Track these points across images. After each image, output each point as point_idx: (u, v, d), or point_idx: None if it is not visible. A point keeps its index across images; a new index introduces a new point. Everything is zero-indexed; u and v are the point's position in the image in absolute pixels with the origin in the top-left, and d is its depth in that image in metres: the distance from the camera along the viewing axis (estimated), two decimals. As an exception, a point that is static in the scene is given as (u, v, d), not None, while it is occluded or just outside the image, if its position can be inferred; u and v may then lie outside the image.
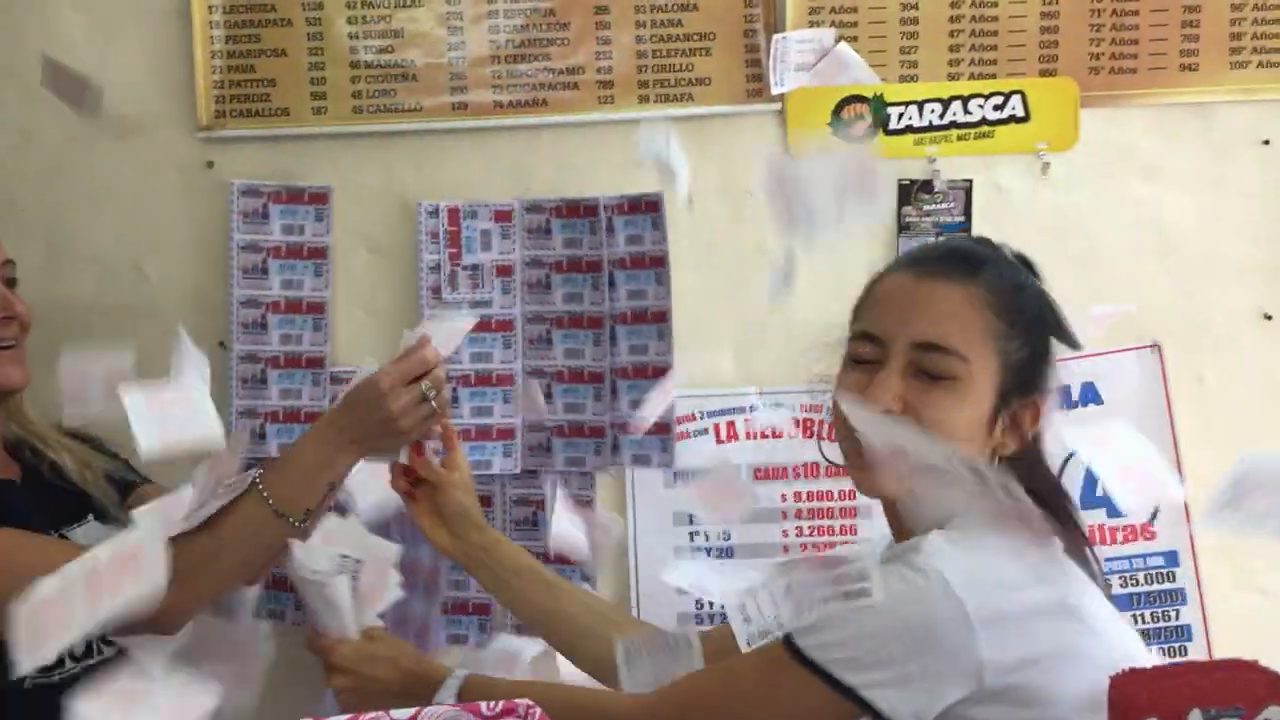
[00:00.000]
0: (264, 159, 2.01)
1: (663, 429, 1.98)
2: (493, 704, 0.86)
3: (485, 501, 2.00)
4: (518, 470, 2.00)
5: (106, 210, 2.02)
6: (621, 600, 2.00)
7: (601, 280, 1.97)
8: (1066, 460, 1.94)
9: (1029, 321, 1.22)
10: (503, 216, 1.99)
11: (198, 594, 1.45)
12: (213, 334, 2.01)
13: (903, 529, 1.26)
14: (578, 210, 1.98)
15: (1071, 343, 1.25)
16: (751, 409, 2.01)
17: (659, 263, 1.97)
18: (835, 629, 1.11)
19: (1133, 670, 0.79)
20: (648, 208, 1.97)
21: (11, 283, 1.59)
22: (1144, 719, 0.74)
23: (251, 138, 2.00)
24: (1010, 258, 1.28)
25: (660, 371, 1.98)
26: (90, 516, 1.61)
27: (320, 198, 1.99)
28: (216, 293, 2.00)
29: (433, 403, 1.47)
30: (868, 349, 1.23)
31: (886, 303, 1.24)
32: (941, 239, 1.30)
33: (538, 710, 0.83)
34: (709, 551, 2.02)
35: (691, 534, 2.02)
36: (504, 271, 1.99)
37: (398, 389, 1.44)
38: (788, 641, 1.14)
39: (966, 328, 1.19)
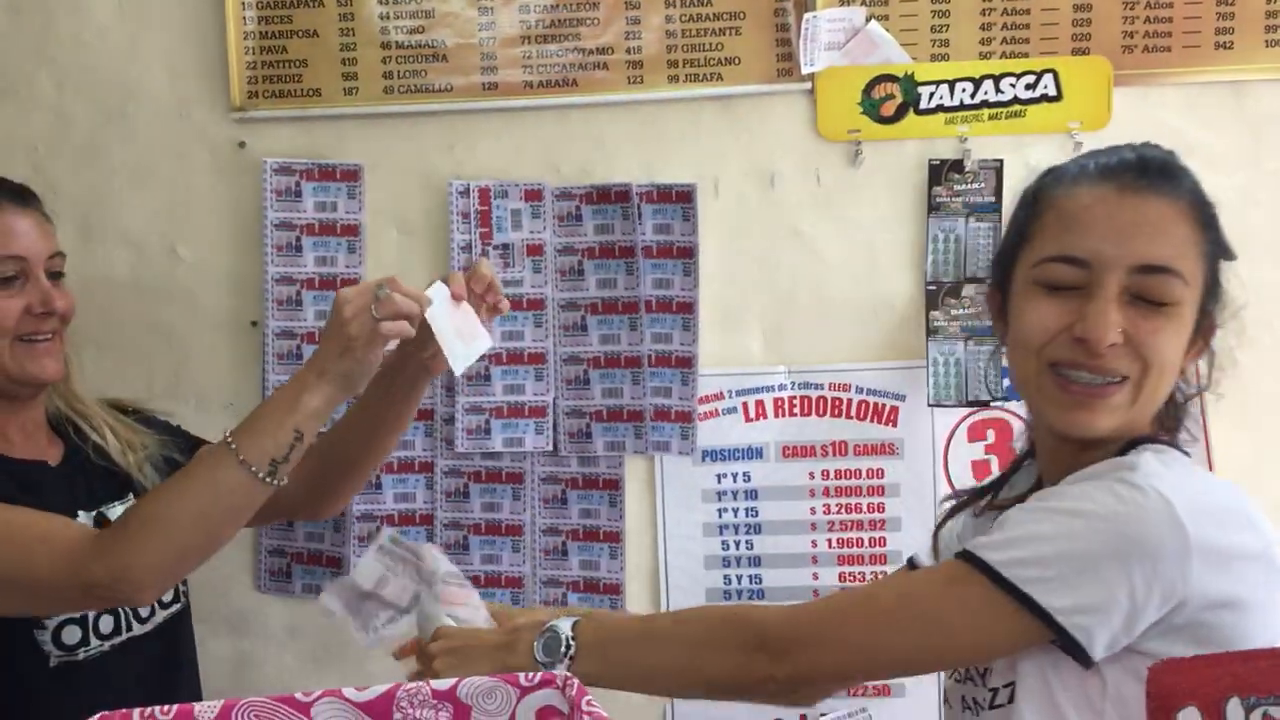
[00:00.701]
0: (296, 139, 2.02)
1: (684, 416, 1.99)
2: (531, 675, 0.88)
3: (516, 478, 2.03)
4: (549, 447, 2.01)
5: (140, 191, 2.04)
6: (650, 576, 2.02)
7: (635, 265, 1.98)
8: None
9: (1216, 232, 1.14)
10: (533, 196, 1.99)
11: (159, 551, 1.37)
12: (245, 313, 2.04)
13: (1062, 469, 1.15)
14: (609, 196, 1.98)
15: (1229, 253, 1.16)
16: (780, 388, 2.01)
17: (687, 254, 1.97)
18: (1031, 545, 1.04)
19: (1171, 659, 0.78)
20: (679, 198, 1.97)
21: (58, 276, 1.58)
22: (1183, 707, 0.73)
23: (283, 118, 2.01)
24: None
25: (684, 362, 1.99)
26: (131, 496, 1.62)
27: (352, 175, 2.01)
28: (250, 272, 2.02)
29: (383, 299, 1.37)
30: (1070, 273, 1.10)
31: (1090, 221, 1.09)
32: (1113, 146, 1.17)
33: (575, 681, 0.84)
34: (736, 529, 2.03)
35: (720, 511, 2.03)
36: (534, 251, 2.00)
37: (351, 295, 1.38)
38: (972, 558, 1.05)
39: (1184, 246, 1.09)
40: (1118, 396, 1.09)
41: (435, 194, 2.01)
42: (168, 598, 1.62)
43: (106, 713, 0.80)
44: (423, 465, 2.04)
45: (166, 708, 0.82)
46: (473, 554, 2.04)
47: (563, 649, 1.18)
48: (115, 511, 1.58)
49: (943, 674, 1.26)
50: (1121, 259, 1.08)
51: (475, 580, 2.04)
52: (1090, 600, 1.01)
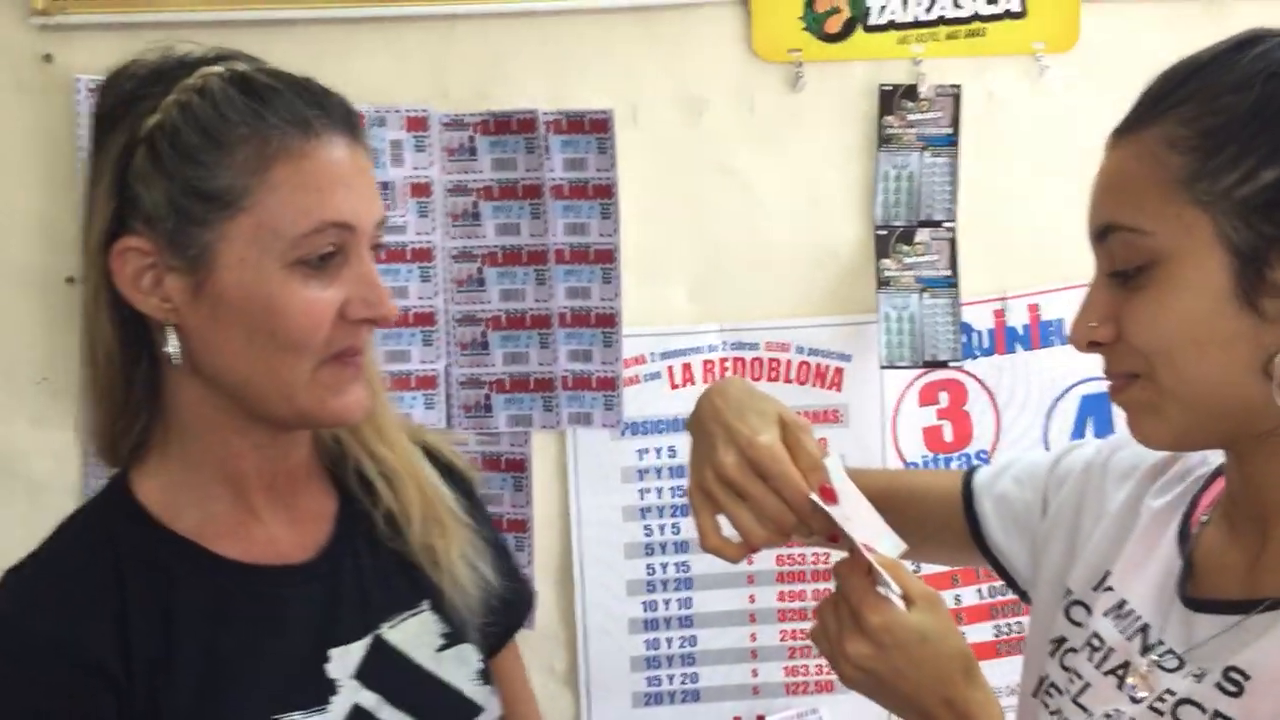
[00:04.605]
0: (116, 52, 1.62)
1: (607, 383, 1.75)
2: None
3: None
4: (441, 423, 1.73)
5: (-83, 114, 1.66)
6: (561, 570, 1.79)
7: (542, 207, 1.73)
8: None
9: (1257, 134, 0.80)
10: (416, 125, 1.72)
11: None
12: (59, 267, 1.69)
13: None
14: (509, 125, 1.72)
15: None
16: (710, 348, 1.77)
17: (605, 193, 1.73)
18: None
19: None
20: (593, 127, 1.72)
21: (377, 250, 1.01)
22: None
23: (99, 25, 1.69)
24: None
25: (605, 320, 1.75)
26: (426, 605, 1.08)
27: (191, 99, 1.66)
28: (64, 217, 1.69)
29: None
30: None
31: None
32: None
33: None
34: (661, 511, 1.80)
35: (642, 491, 1.79)
36: (420, 191, 1.72)
37: None
38: None
39: (1136, 186, 0.84)
40: None
41: (297, 121, 1.68)
42: None
43: None
44: (288, 448, 1.73)
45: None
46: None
47: None
48: (399, 633, 1.05)
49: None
50: (1090, 225, 0.88)
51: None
52: None
